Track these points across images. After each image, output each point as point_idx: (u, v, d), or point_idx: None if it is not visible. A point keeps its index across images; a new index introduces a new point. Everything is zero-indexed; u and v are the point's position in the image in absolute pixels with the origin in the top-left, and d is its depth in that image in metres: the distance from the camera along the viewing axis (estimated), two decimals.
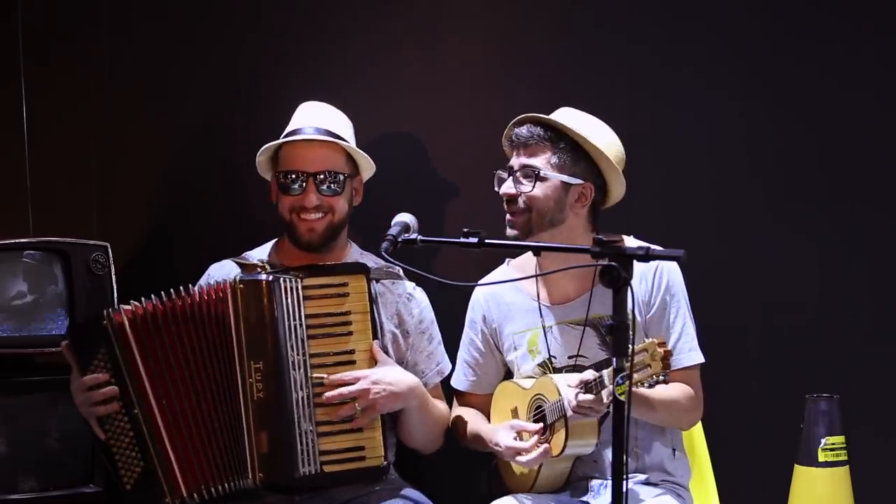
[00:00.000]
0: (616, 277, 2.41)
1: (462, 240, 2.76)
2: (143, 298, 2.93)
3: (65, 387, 3.54)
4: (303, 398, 2.90)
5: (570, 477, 3.06)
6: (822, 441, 3.13)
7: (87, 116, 4.06)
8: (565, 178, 3.03)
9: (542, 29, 3.63)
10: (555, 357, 3.09)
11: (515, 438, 2.98)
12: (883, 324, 3.41)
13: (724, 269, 3.44)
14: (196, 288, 2.97)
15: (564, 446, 2.93)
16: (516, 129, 3.08)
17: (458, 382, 3.25)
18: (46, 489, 3.48)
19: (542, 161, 3.03)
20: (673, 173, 3.53)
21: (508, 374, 3.22)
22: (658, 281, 3.03)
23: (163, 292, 2.94)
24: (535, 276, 3.10)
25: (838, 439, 3.13)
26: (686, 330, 3.03)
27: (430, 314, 3.18)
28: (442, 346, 3.19)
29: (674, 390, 3.00)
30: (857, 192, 3.42)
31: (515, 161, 3.06)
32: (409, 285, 3.16)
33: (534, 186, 3.01)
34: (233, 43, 3.91)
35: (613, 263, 2.42)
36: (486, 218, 3.46)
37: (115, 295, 3.55)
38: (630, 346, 2.44)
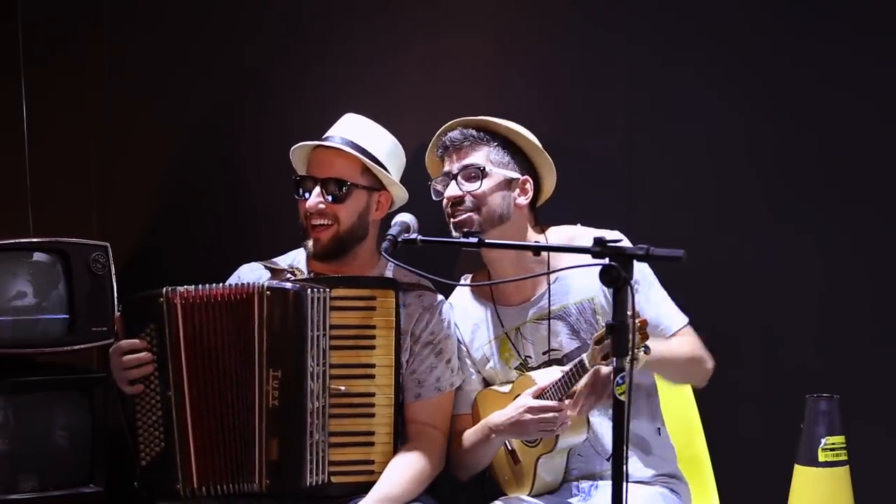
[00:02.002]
0: (616, 277, 2.41)
1: (462, 240, 2.75)
2: (189, 286, 2.93)
3: (65, 386, 3.57)
4: (318, 408, 2.88)
5: (566, 475, 3.05)
6: (822, 441, 3.12)
7: (87, 116, 4.06)
8: (507, 172, 3.04)
9: (543, 29, 3.63)
10: (529, 357, 3.09)
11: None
12: (883, 324, 3.41)
13: (725, 269, 3.44)
14: (230, 285, 2.97)
15: (556, 440, 2.93)
16: (449, 134, 3.08)
17: (461, 409, 3.16)
18: (47, 489, 3.48)
19: (482, 158, 3.04)
20: (673, 173, 3.53)
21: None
22: None
23: (203, 284, 2.94)
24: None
25: (838, 439, 3.13)
26: (662, 299, 3.03)
27: (446, 329, 3.09)
28: (451, 366, 3.09)
29: (674, 344, 2.99)
30: (858, 191, 3.42)
31: (452, 166, 3.06)
32: (438, 298, 3.11)
33: (481, 184, 3.01)
34: (235, 42, 3.91)
35: (614, 263, 2.42)
36: None
37: (115, 295, 3.55)
38: (631, 342, 2.44)
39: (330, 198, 3.02)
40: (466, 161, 3.04)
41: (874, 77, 3.40)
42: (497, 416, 2.99)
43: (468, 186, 3.02)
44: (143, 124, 4.04)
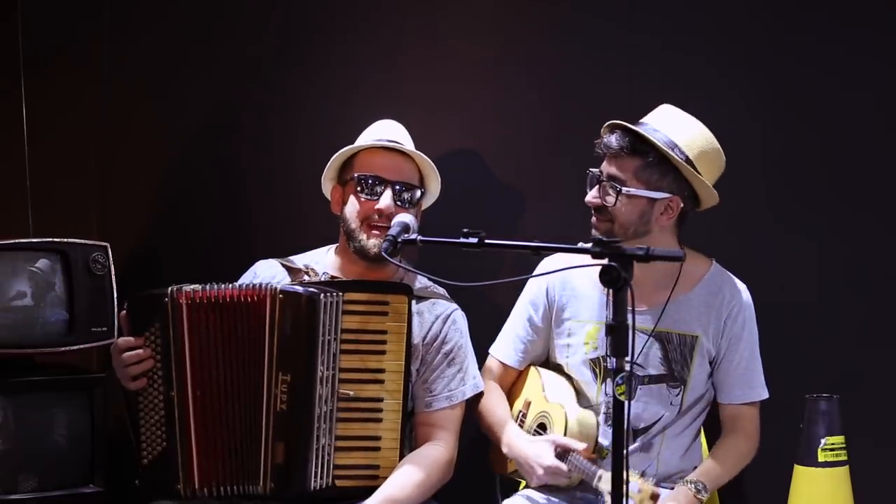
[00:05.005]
0: (616, 277, 2.41)
1: (462, 240, 2.75)
2: (197, 285, 2.90)
3: (65, 387, 3.57)
4: (325, 413, 2.86)
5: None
6: (822, 441, 3.12)
7: (87, 116, 4.06)
8: (650, 193, 2.97)
9: (542, 28, 3.63)
10: (609, 357, 3.07)
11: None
12: (883, 324, 3.40)
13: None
14: (241, 285, 2.94)
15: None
16: (605, 138, 3.01)
17: (506, 356, 3.19)
18: (47, 489, 3.48)
19: (629, 174, 2.97)
20: None
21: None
22: (735, 312, 3.06)
23: (213, 283, 2.91)
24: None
25: (838, 439, 3.13)
26: (756, 366, 3.10)
27: (460, 339, 3.08)
28: (464, 376, 3.08)
29: (728, 457, 3.07)
30: (858, 192, 3.42)
31: (605, 168, 3.00)
32: (451, 306, 3.10)
33: (616, 201, 2.96)
34: (236, 42, 3.91)
35: (613, 264, 2.42)
36: (486, 218, 3.47)
37: (115, 295, 3.55)
38: (630, 347, 2.44)
39: (400, 202, 3.02)
40: (613, 171, 2.98)
41: (876, 78, 3.39)
42: (519, 445, 3.01)
43: (608, 198, 2.97)
44: (143, 124, 4.04)
